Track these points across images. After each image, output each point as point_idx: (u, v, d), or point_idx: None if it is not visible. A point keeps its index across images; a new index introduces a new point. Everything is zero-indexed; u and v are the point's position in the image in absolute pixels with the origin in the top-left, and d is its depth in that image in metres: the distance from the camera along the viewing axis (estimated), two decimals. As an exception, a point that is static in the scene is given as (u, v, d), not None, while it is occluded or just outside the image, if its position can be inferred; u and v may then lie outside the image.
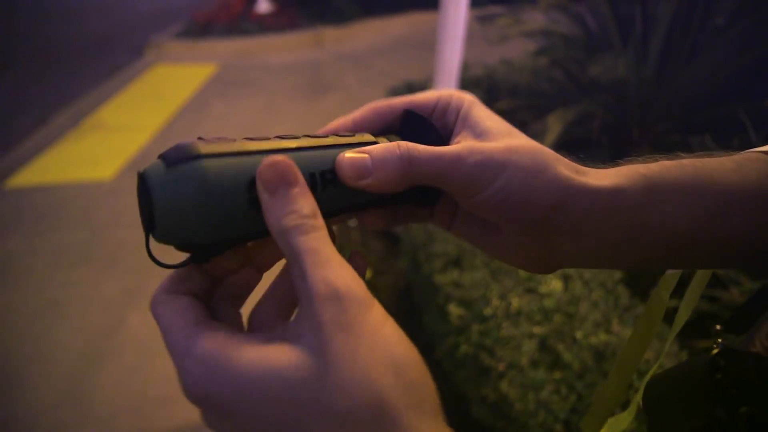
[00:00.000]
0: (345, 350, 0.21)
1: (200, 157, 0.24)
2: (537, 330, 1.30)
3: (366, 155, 0.29)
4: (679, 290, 0.41)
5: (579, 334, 1.27)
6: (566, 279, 1.45)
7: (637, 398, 0.40)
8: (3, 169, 3.05)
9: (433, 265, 1.57)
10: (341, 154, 0.29)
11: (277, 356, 0.22)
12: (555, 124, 2.27)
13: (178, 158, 0.24)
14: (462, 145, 0.30)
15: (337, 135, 0.31)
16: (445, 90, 0.35)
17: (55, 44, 5.60)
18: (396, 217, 0.36)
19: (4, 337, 1.90)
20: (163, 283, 0.27)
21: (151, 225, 0.24)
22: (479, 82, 3.28)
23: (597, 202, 0.29)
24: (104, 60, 5.04)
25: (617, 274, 1.50)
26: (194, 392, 0.22)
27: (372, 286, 2.00)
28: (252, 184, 0.25)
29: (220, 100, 4.09)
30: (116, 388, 1.68)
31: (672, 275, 0.41)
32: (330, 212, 0.29)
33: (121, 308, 2.00)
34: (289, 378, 0.21)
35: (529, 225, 0.30)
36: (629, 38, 2.35)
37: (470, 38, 2.49)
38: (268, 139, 0.28)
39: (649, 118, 2.38)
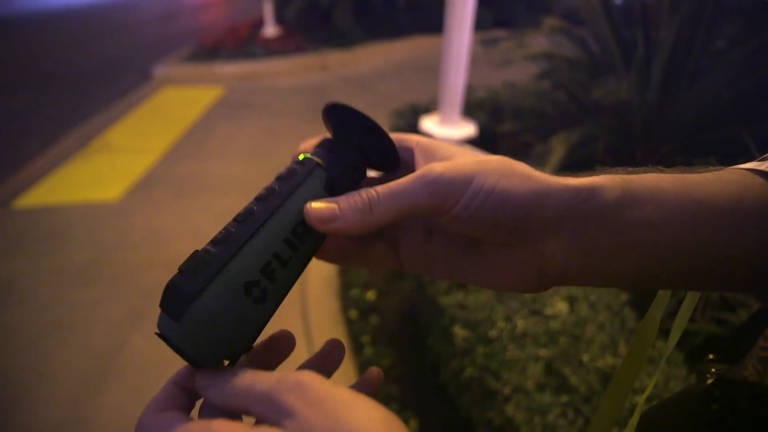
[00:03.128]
0: (326, 418, 0.22)
1: (195, 298, 0.26)
2: (543, 352, 1.28)
3: (334, 206, 0.30)
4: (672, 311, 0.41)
5: (585, 357, 1.26)
6: (572, 301, 1.44)
7: (633, 422, 0.40)
8: (10, 190, 3.07)
9: (437, 287, 1.56)
10: (308, 207, 0.31)
11: None
12: (559, 146, 2.28)
13: (179, 309, 0.26)
14: (423, 168, 0.30)
15: (279, 178, 0.32)
16: (394, 134, 0.36)
17: (64, 67, 5.68)
18: (345, 253, 0.36)
19: (9, 357, 1.89)
20: (152, 404, 0.28)
21: (195, 365, 0.27)
22: (483, 104, 3.31)
23: (575, 198, 0.29)
24: (112, 83, 5.11)
25: (623, 296, 1.49)
26: None
27: (376, 308, 2.00)
28: (248, 287, 0.27)
29: (226, 123, 4.12)
30: (119, 410, 1.67)
31: (664, 294, 0.41)
32: (310, 254, 0.32)
33: (124, 329, 2.00)
34: None
35: (511, 230, 0.30)
36: (632, 61, 2.37)
37: (474, 61, 2.52)
38: (230, 233, 0.29)
39: (652, 139, 2.39)
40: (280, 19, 6.42)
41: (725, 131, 2.15)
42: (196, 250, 0.28)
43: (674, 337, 0.41)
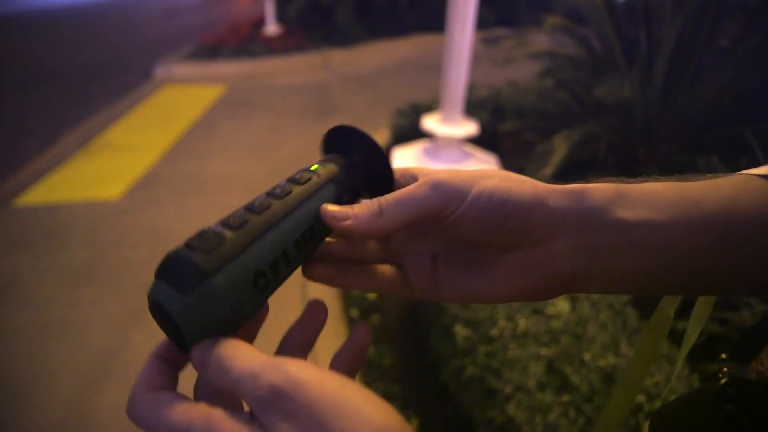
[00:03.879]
0: (306, 430, 0.21)
1: (208, 275, 0.26)
2: (544, 351, 1.28)
3: (349, 208, 0.32)
4: (685, 312, 0.41)
5: (587, 356, 1.26)
6: (574, 300, 1.44)
7: (646, 426, 0.39)
8: (12, 188, 3.07)
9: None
10: (325, 206, 0.33)
11: None
12: (560, 145, 2.27)
13: (189, 283, 0.25)
14: (426, 177, 0.32)
15: (293, 181, 0.34)
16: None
17: (66, 66, 5.69)
18: (347, 274, 0.36)
19: (10, 355, 1.90)
20: (139, 383, 0.28)
21: (182, 345, 0.27)
22: (485, 103, 3.30)
23: (569, 197, 0.31)
24: (114, 81, 5.11)
25: (625, 296, 1.49)
26: None
27: (377, 307, 1.99)
28: (256, 276, 0.28)
29: (228, 121, 4.12)
30: (121, 408, 1.66)
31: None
32: (305, 259, 0.33)
33: (126, 327, 2.00)
34: None
35: (515, 230, 0.31)
36: (634, 60, 2.37)
37: (476, 60, 2.52)
38: (246, 221, 0.29)
39: (654, 139, 2.39)
40: (281, 18, 6.41)
41: (728, 130, 2.15)
42: (205, 229, 0.28)
43: (690, 337, 0.41)
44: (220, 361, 0.25)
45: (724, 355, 0.35)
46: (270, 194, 0.32)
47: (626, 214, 0.30)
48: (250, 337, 0.31)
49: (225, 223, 0.29)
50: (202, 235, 0.27)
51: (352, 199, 0.37)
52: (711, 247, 0.29)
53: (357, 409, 0.21)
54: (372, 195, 0.37)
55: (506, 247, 0.32)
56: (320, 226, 0.33)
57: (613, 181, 0.32)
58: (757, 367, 0.33)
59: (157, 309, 0.26)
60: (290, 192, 0.32)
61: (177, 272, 0.26)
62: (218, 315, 0.26)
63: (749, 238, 0.29)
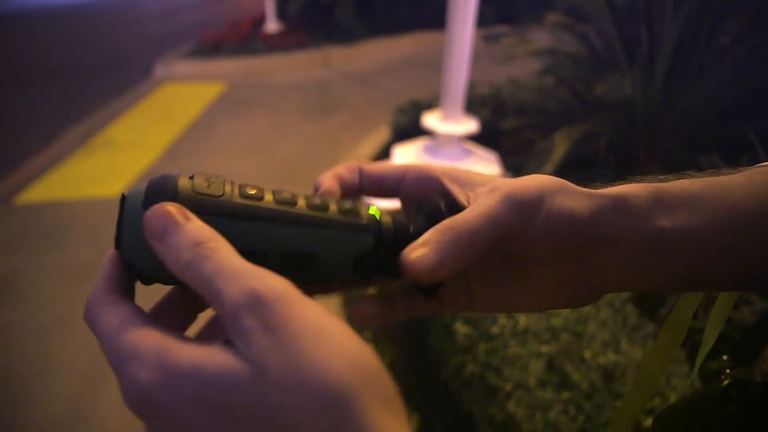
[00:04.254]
0: (282, 349, 0.19)
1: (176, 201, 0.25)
2: (544, 349, 1.28)
3: (428, 251, 0.27)
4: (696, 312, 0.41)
5: (587, 354, 1.26)
6: (574, 298, 1.44)
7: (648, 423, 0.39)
8: (11, 186, 3.07)
9: (439, 283, 1.55)
10: (407, 256, 0.27)
11: (215, 358, 0.20)
12: (561, 143, 2.27)
13: (155, 199, 0.24)
14: (495, 196, 0.28)
15: (337, 203, 0.29)
16: (409, 163, 0.33)
17: (66, 63, 5.68)
18: (395, 309, 0.32)
19: (10, 353, 1.90)
20: (99, 284, 0.26)
21: (117, 245, 0.26)
22: (485, 100, 3.30)
23: (614, 209, 0.29)
24: (114, 79, 5.10)
25: (625, 293, 1.49)
26: (139, 399, 0.21)
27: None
28: (245, 251, 0.25)
29: (228, 119, 4.12)
30: (121, 406, 1.66)
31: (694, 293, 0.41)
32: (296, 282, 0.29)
33: (126, 325, 2.00)
34: (223, 381, 0.19)
35: (575, 247, 0.29)
36: (635, 57, 2.36)
37: (476, 58, 2.51)
38: (259, 197, 0.27)
39: (655, 136, 2.38)
40: (281, 15, 6.39)
41: (729, 128, 2.14)
42: (220, 179, 0.27)
43: (706, 345, 0.41)
44: (200, 250, 0.22)
45: (725, 357, 0.35)
46: (305, 197, 0.29)
47: (665, 222, 0.29)
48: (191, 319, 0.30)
49: (242, 187, 0.27)
50: (212, 179, 0.26)
51: (375, 271, 0.30)
52: (739, 251, 0.29)
53: (337, 342, 0.20)
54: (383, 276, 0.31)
55: (551, 261, 0.31)
56: (326, 264, 0.28)
57: (650, 181, 0.31)
58: (762, 365, 0.33)
59: (121, 203, 0.26)
60: (324, 208, 0.28)
61: (157, 187, 0.25)
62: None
63: None
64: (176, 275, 0.23)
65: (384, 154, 3.21)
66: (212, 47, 5.68)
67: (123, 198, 0.26)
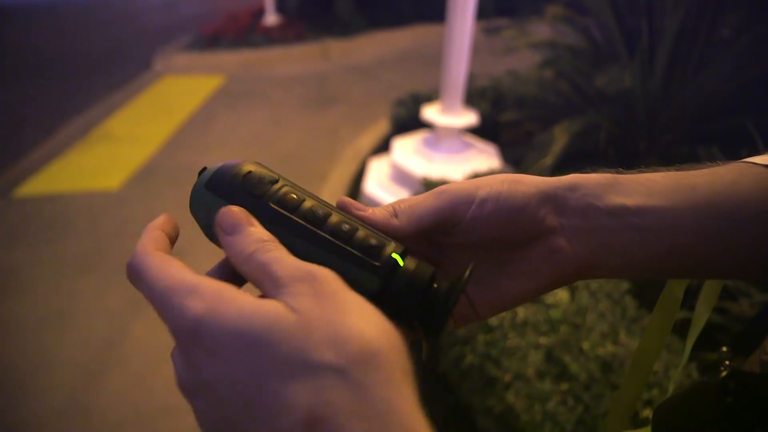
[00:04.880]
0: (326, 310, 0.22)
1: (222, 197, 0.30)
2: (543, 340, 1.28)
3: (367, 207, 0.33)
4: (687, 300, 0.41)
5: (586, 345, 1.26)
6: (573, 290, 1.44)
7: (645, 414, 0.40)
8: (11, 179, 3.07)
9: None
10: (343, 198, 0.33)
11: (267, 304, 0.22)
12: (561, 136, 2.27)
13: (215, 185, 0.30)
14: (432, 192, 0.34)
15: (367, 234, 0.30)
16: (481, 180, 0.34)
17: (65, 56, 5.66)
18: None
19: (10, 345, 1.90)
20: (144, 242, 0.28)
21: (190, 203, 0.31)
22: (485, 93, 3.29)
23: (569, 189, 0.32)
24: (113, 71, 5.09)
25: (624, 285, 1.49)
26: (187, 327, 0.22)
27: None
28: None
29: (227, 112, 4.11)
30: (121, 398, 1.68)
31: None
32: None
33: (126, 318, 2.00)
34: (270, 321, 0.21)
35: (527, 225, 0.32)
36: (635, 50, 2.36)
37: (476, 50, 2.50)
38: (297, 206, 0.30)
39: (655, 129, 2.38)
40: (280, 8, 6.37)
41: (729, 121, 2.14)
42: (275, 178, 0.31)
43: (695, 330, 0.42)
44: (263, 245, 0.26)
45: (725, 348, 0.35)
46: (338, 221, 0.29)
47: (622, 199, 0.31)
48: None
49: (285, 193, 0.30)
50: (264, 177, 0.30)
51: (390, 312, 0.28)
52: (708, 231, 0.30)
53: (373, 317, 0.22)
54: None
55: (522, 242, 0.33)
56: None
57: (609, 172, 0.33)
58: (760, 356, 0.33)
59: (199, 174, 0.31)
60: (347, 237, 0.29)
61: (220, 176, 0.30)
62: (205, 223, 0.30)
63: (746, 224, 0.29)
64: (236, 266, 0.26)
65: (383, 147, 3.21)
66: (211, 40, 5.66)
67: (201, 171, 0.31)
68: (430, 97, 3.17)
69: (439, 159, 2.45)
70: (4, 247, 2.44)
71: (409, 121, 3.11)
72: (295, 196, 0.30)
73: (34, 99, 4.44)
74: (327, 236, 0.29)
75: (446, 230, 0.33)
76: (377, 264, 0.29)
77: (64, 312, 2.04)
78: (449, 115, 2.41)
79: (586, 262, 0.32)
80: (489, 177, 0.33)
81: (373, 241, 0.29)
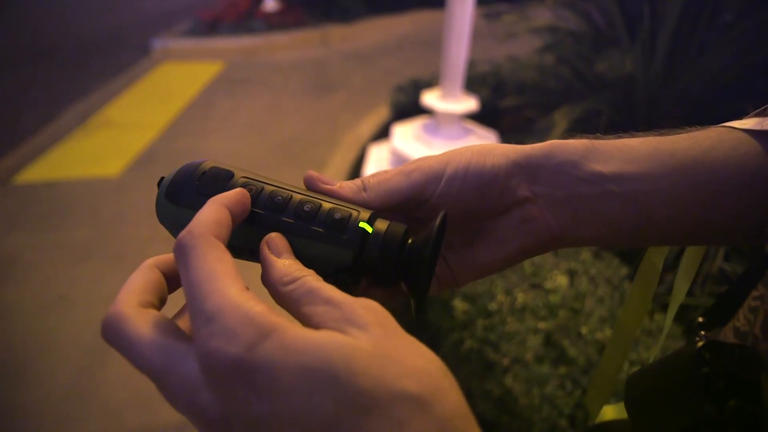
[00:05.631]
0: (399, 339, 0.21)
1: (178, 204, 0.30)
2: (542, 325, 1.29)
3: (334, 181, 0.32)
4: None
5: (584, 330, 1.27)
6: (572, 275, 1.44)
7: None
8: (10, 166, 3.07)
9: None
10: (311, 172, 0.32)
11: (334, 336, 0.20)
12: (561, 121, 2.26)
13: (176, 196, 0.30)
14: (400, 169, 0.33)
15: (331, 209, 0.29)
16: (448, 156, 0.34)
17: (63, 42, 5.62)
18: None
19: (12, 331, 1.91)
20: (122, 298, 0.25)
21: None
22: (485, 79, 3.28)
23: (540, 153, 0.32)
24: (112, 58, 5.06)
25: (623, 270, 1.49)
26: (225, 366, 0.19)
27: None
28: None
29: (226, 98, 4.10)
30: (122, 383, 1.69)
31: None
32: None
33: (127, 303, 2.01)
34: (346, 353, 0.19)
35: (498, 196, 0.32)
36: (637, 35, 2.34)
37: (476, 35, 2.48)
38: (258, 194, 0.29)
39: (656, 115, 2.37)
40: (280, -7, 6.32)
41: (730, 106, 2.13)
42: (233, 173, 0.30)
43: (676, 300, 0.42)
44: (305, 280, 0.24)
45: (701, 319, 0.35)
46: (299, 201, 0.29)
47: (599, 166, 0.31)
48: None
49: (246, 182, 0.30)
50: (220, 173, 0.30)
51: (364, 279, 0.31)
52: (685, 197, 0.30)
53: (422, 349, 0.22)
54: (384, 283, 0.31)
55: (495, 212, 0.33)
56: (311, 268, 0.27)
57: (587, 138, 0.33)
58: (734, 323, 0.33)
59: (158, 189, 0.31)
60: (310, 218, 0.29)
61: (176, 186, 0.30)
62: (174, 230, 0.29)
63: (723, 188, 0.30)
64: (275, 292, 0.25)
65: (383, 133, 3.20)
66: (210, 25, 5.62)
67: (159, 182, 0.31)
68: (431, 83, 3.16)
69: (439, 145, 2.44)
70: (3, 234, 2.45)
71: (409, 107, 3.10)
72: (252, 187, 0.29)
73: (32, 85, 4.41)
74: (290, 220, 0.28)
75: (415, 206, 0.33)
76: (345, 237, 0.28)
77: (65, 298, 2.05)
78: (449, 101, 2.40)
79: (561, 231, 0.32)
80: (460, 149, 0.33)
81: (338, 215, 0.29)
